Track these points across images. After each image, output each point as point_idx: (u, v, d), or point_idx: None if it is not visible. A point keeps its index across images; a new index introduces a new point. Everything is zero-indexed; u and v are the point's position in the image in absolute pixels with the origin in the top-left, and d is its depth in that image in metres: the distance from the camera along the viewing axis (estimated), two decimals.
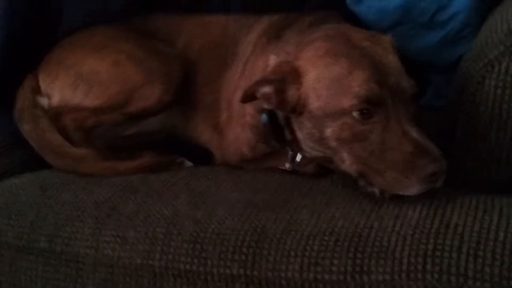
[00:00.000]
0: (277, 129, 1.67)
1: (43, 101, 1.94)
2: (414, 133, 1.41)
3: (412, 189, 1.40)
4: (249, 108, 1.74)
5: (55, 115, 1.89)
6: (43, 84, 1.97)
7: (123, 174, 1.73)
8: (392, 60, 1.50)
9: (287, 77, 1.52)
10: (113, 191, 1.59)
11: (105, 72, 1.92)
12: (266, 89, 1.53)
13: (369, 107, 1.43)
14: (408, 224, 1.32)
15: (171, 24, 2.14)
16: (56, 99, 1.94)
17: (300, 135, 1.59)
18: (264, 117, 1.68)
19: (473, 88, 1.49)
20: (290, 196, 1.51)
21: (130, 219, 1.47)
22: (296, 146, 1.65)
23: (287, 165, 1.71)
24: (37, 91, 1.96)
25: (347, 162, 1.49)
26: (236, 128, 1.84)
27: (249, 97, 1.57)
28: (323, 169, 1.65)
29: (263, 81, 1.55)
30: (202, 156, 1.96)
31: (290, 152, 1.69)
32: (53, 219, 1.52)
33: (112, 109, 1.91)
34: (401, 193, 1.41)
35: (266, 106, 1.58)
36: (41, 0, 2.10)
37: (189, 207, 1.48)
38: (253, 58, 1.88)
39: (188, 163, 1.86)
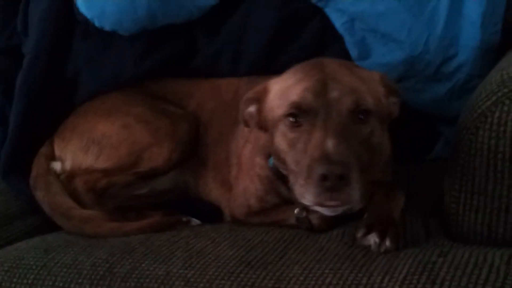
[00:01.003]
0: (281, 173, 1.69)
1: (56, 166, 2.02)
2: (329, 143, 1.42)
3: (308, 196, 1.42)
4: (258, 159, 1.79)
5: (67, 178, 1.95)
6: (58, 149, 2.04)
7: (129, 235, 1.74)
8: (349, 80, 1.53)
9: (261, 95, 1.64)
10: (112, 251, 1.59)
11: (115, 135, 1.98)
12: (251, 109, 1.68)
13: (299, 114, 1.49)
14: (396, 279, 1.30)
15: (183, 88, 2.19)
16: (68, 162, 2.00)
17: (272, 157, 1.67)
18: (270, 160, 1.71)
19: (468, 140, 1.47)
20: (284, 252, 1.51)
21: (123, 280, 1.48)
22: None
23: (292, 220, 1.70)
24: (51, 157, 2.04)
25: (291, 180, 1.54)
26: (245, 180, 1.86)
27: (244, 119, 1.70)
28: (327, 222, 1.65)
29: (247, 100, 1.68)
30: (213, 214, 1.97)
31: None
32: (50, 282, 1.53)
33: (122, 170, 1.95)
34: (304, 201, 1.45)
35: (251, 125, 1.70)
36: (57, 70, 2.20)
37: (182, 267, 1.48)
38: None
39: (195, 222, 1.87)
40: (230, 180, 1.97)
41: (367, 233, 1.49)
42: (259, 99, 1.65)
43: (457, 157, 1.49)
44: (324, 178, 1.37)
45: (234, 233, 1.68)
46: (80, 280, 1.51)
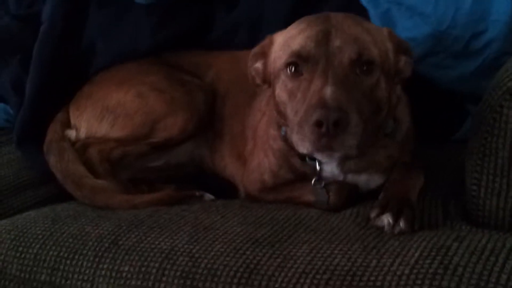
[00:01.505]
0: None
1: (71, 134, 1.99)
2: (328, 90, 1.38)
3: (304, 142, 1.39)
4: (271, 130, 1.74)
5: (82, 147, 1.92)
6: (73, 118, 2.02)
7: (139, 207, 1.71)
8: (354, 31, 1.48)
9: (266, 49, 1.61)
10: (119, 224, 1.56)
11: (130, 104, 1.94)
12: (258, 65, 1.65)
13: (299, 62, 1.46)
14: (407, 263, 1.23)
15: (201, 59, 2.14)
16: (83, 131, 1.98)
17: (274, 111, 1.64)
18: (283, 129, 1.67)
19: (491, 119, 1.39)
20: (294, 231, 1.46)
21: (127, 253, 1.44)
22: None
23: (309, 197, 1.66)
24: (66, 124, 2.01)
25: (293, 136, 1.47)
26: (260, 155, 1.81)
27: (252, 77, 1.68)
28: (342, 197, 1.62)
29: (253, 55, 1.66)
30: (227, 190, 1.93)
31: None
32: (55, 252, 1.51)
33: (137, 139, 1.92)
34: (300, 149, 1.43)
35: (258, 82, 1.67)
36: (73, 39, 2.17)
37: (188, 241, 1.44)
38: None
39: (209, 197, 1.84)
40: (246, 155, 1.92)
41: (381, 213, 1.44)
42: (265, 53, 1.62)
43: (479, 137, 1.42)
44: (319, 123, 1.34)
45: (245, 210, 1.64)
46: (85, 251, 1.49)
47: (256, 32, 2.15)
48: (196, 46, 2.21)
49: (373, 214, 1.45)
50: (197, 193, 1.83)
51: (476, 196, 1.44)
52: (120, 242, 1.48)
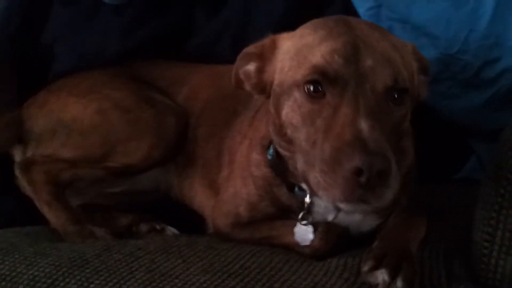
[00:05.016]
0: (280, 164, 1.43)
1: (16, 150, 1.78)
2: (363, 124, 1.13)
3: (333, 191, 1.11)
4: (254, 155, 1.52)
5: (26, 165, 1.68)
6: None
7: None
8: (384, 46, 1.23)
9: (265, 51, 1.36)
10: (58, 263, 1.32)
11: (87, 120, 1.72)
12: (249, 67, 1.39)
13: (323, 81, 1.19)
14: None
15: (175, 72, 1.93)
16: (31, 148, 1.75)
17: (270, 130, 1.40)
18: (270, 150, 1.45)
19: None
20: (268, 285, 1.25)
21: None
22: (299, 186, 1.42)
23: (291, 238, 1.45)
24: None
25: (298, 163, 1.25)
26: (237, 182, 1.59)
27: (237, 79, 1.42)
28: (329, 243, 1.40)
29: (246, 55, 1.40)
30: (194, 224, 1.72)
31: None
32: None
33: (91, 162, 1.69)
34: (325, 196, 1.16)
35: (246, 87, 1.41)
36: (31, 37, 1.95)
37: None
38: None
39: (171, 231, 1.65)
40: (218, 181, 1.69)
41: (375, 267, 1.22)
42: (262, 56, 1.36)
43: (496, 184, 1.22)
44: (359, 172, 1.07)
45: (212, 253, 1.40)
46: None
47: (241, 40, 1.92)
48: (175, 53, 2.01)
49: (365, 268, 1.24)
50: (157, 226, 1.63)
51: (487, 255, 1.24)
52: None
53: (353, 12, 1.86)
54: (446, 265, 1.33)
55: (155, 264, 1.33)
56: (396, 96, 1.21)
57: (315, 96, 1.20)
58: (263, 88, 1.36)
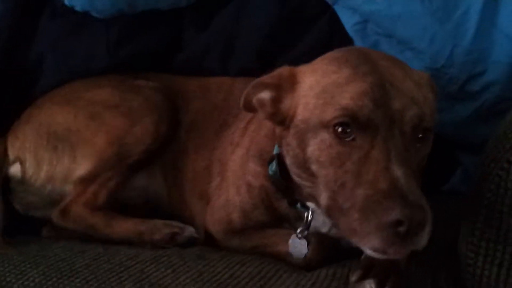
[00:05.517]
0: (284, 182, 1.40)
1: (16, 170, 1.72)
2: (398, 171, 1.10)
3: (370, 239, 1.08)
4: (252, 165, 1.51)
5: (62, 213, 1.66)
6: (12, 149, 1.74)
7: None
8: (409, 86, 1.21)
9: (284, 82, 1.31)
10: (48, 273, 1.32)
11: (84, 129, 1.70)
12: (264, 95, 1.34)
13: (353, 124, 1.16)
14: None
15: (165, 84, 1.91)
16: (30, 164, 1.70)
17: (287, 160, 1.34)
18: (272, 167, 1.42)
19: (496, 176, 1.19)
20: None
21: None
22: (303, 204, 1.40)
23: (284, 247, 1.45)
24: (4, 161, 1.73)
25: (322, 197, 1.22)
26: (229, 191, 1.59)
27: (248, 103, 1.37)
28: (321, 254, 1.42)
29: (260, 84, 1.35)
30: None
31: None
32: None
33: (111, 164, 1.68)
34: (359, 243, 1.11)
35: (260, 114, 1.38)
36: (19, 53, 1.93)
37: None
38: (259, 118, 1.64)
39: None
40: (209, 191, 1.69)
41: (363, 277, 1.23)
42: (280, 87, 1.32)
43: (481, 196, 1.22)
44: (399, 223, 1.05)
45: (202, 262, 1.41)
46: None
47: (227, 58, 1.97)
48: (163, 67, 2.00)
49: (353, 278, 1.25)
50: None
51: (472, 265, 1.24)
52: None
53: (340, 27, 1.86)
54: (433, 277, 1.34)
55: (144, 274, 1.33)
56: (420, 135, 1.20)
57: (343, 137, 1.17)
58: (282, 119, 1.32)
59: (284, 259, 1.43)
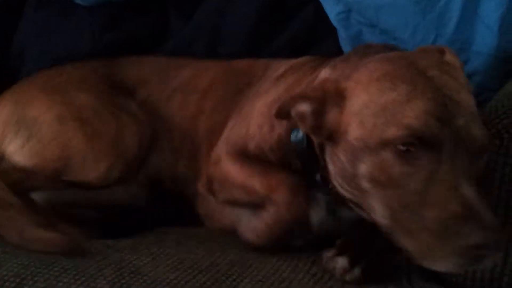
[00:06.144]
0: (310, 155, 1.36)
1: None
2: (469, 192, 1.07)
3: (446, 262, 1.06)
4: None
5: None
6: None
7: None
8: (465, 99, 1.17)
9: (329, 97, 1.24)
10: (27, 263, 1.29)
11: (46, 127, 1.64)
12: (304, 107, 1.26)
13: (418, 144, 1.11)
14: None
15: (169, 61, 1.90)
16: None
17: (331, 167, 1.30)
18: (299, 134, 1.38)
19: None
20: (239, 281, 1.26)
21: None
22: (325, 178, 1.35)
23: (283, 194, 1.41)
24: None
25: (377, 213, 1.19)
26: (251, 125, 1.54)
27: (284, 113, 1.30)
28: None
29: (301, 97, 1.27)
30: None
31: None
32: None
33: (47, 175, 1.61)
34: (432, 267, 1.10)
35: (300, 127, 1.32)
36: (3, 44, 1.93)
37: None
38: (294, 75, 1.61)
39: None
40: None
41: (337, 254, 1.26)
42: (324, 102, 1.25)
43: None
44: (478, 247, 1.03)
45: (182, 249, 1.40)
46: None
47: (214, 46, 1.97)
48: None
49: (328, 254, 1.27)
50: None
51: None
52: None
53: (324, 16, 1.86)
54: (407, 264, 1.31)
55: (123, 262, 1.31)
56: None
57: (409, 157, 1.13)
58: (329, 134, 1.26)
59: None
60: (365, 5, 1.78)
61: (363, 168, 1.18)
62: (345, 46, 1.83)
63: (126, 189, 1.72)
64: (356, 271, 1.21)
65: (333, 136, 1.24)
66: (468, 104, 1.16)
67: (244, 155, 1.51)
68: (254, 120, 1.55)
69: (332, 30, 1.86)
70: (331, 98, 1.24)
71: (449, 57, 1.29)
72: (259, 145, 1.50)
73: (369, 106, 1.19)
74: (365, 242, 1.30)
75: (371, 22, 1.78)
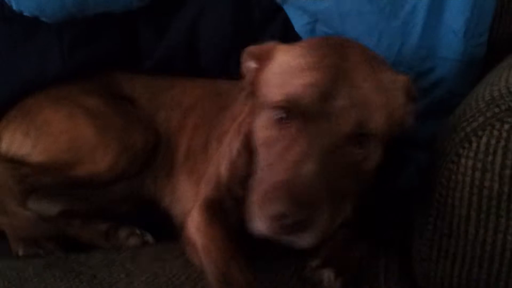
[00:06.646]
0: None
1: None
2: (307, 168, 1.09)
3: (261, 224, 1.09)
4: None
5: None
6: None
7: None
8: (363, 88, 1.18)
9: (263, 56, 1.32)
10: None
11: (56, 123, 1.71)
12: (251, 64, 1.36)
13: (291, 111, 1.16)
14: None
15: (160, 80, 1.92)
16: (4, 143, 1.72)
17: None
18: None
19: (446, 169, 1.20)
20: None
21: None
22: None
23: None
24: None
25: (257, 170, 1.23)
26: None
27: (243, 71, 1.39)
28: None
29: (248, 53, 1.37)
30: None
31: None
32: None
33: (55, 169, 1.65)
34: (252, 227, 1.12)
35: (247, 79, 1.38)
36: None
37: None
38: None
39: (149, 238, 1.61)
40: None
41: (323, 265, 1.26)
42: (261, 60, 1.32)
43: (432, 190, 1.23)
44: (280, 217, 1.06)
45: (157, 264, 1.38)
46: None
47: (193, 60, 1.97)
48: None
49: (314, 264, 1.27)
50: (137, 231, 1.60)
51: (426, 259, 1.26)
52: None
53: (292, 28, 1.85)
54: (385, 272, 1.34)
55: (97, 279, 1.31)
56: (359, 139, 1.18)
57: (281, 120, 1.18)
58: (256, 90, 1.33)
59: None
60: (331, 14, 1.77)
61: (255, 128, 1.25)
62: None
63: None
64: (339, 283, 1.22)
65: (254, 93, 1.31)
66: (364, 93, 1.17)
67: (214, 209, 1.47)
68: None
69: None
70: (264, 57, 1.31)
71: (393, 77, 1.28)
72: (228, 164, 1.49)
73: (281, 67, 1.26)
74: (346, 250, 1.32)
75: (337, 31, 1.77)
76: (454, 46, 1.70)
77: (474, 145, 1.16)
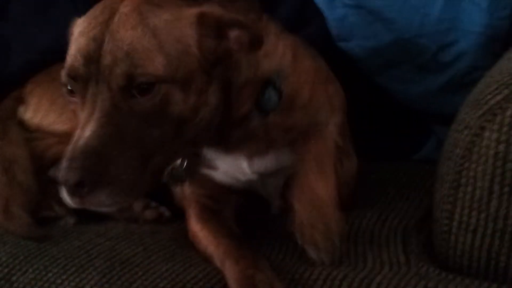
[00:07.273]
0: None
1: (23, 110, 1.70)
2: (85, 130, 1.10)
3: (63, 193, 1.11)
4: None
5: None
6: (26, 91, 1.72)
7: None
8: (131, 37, 1.14)
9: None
10: (15, 252, 1.29)
11: None
12: None
13: (71, 81, 1.17)
14: None
15: None
16: (31, 108, 1.69)
17: None
18: None
19: (469, 142, 1.17)
20: None
21: None
22: None
23: None
24: (20, 100, 1.71)
25: None
26: None
27: None
28: None
29: None
30: None
31: None
32: None
33: None
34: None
35: None
36: None
37: (98, 283, 1.19)
38: None
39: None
40: None
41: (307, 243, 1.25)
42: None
43: (453, 163, 1.20)
44: (64, 183, 1.07)
45: (175, 243, 1.37)
46: None
47: None
48: None
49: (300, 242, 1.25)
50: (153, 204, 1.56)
51: (446, 232, 1.22)
52: (14, 278, 1.22)
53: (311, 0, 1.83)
54: (403, 244, 1.33)
55: (115, 251, 1.30)
56: (141, 88, 1.14)
57: (70, 93, 1.19)
58: None
59: None
60: None
61: None
62: (332, 29, 1.80)
63: None
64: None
65: None
66: (129, 43, 1.13)
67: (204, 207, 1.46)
68: None
69: (321, 14, 1.83)
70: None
71: (175, 15, 1.21)
72: None
73: (71, 41, 1.23)
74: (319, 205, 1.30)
75: (357, 3, 1.75)
76: (477, 19, 1.67)
77: (499, 118, 1.13)
